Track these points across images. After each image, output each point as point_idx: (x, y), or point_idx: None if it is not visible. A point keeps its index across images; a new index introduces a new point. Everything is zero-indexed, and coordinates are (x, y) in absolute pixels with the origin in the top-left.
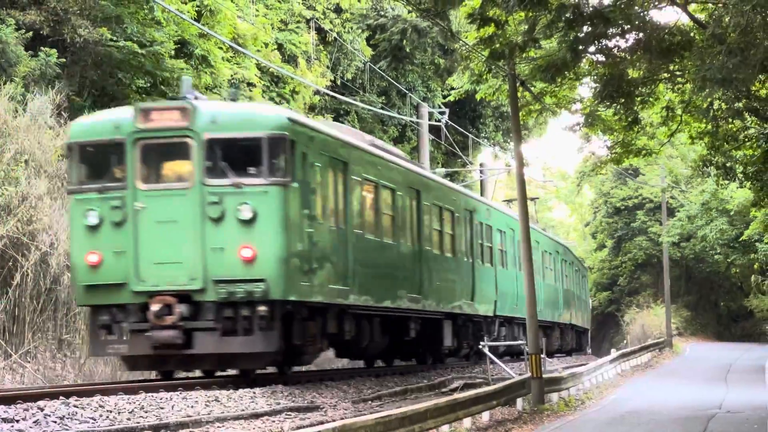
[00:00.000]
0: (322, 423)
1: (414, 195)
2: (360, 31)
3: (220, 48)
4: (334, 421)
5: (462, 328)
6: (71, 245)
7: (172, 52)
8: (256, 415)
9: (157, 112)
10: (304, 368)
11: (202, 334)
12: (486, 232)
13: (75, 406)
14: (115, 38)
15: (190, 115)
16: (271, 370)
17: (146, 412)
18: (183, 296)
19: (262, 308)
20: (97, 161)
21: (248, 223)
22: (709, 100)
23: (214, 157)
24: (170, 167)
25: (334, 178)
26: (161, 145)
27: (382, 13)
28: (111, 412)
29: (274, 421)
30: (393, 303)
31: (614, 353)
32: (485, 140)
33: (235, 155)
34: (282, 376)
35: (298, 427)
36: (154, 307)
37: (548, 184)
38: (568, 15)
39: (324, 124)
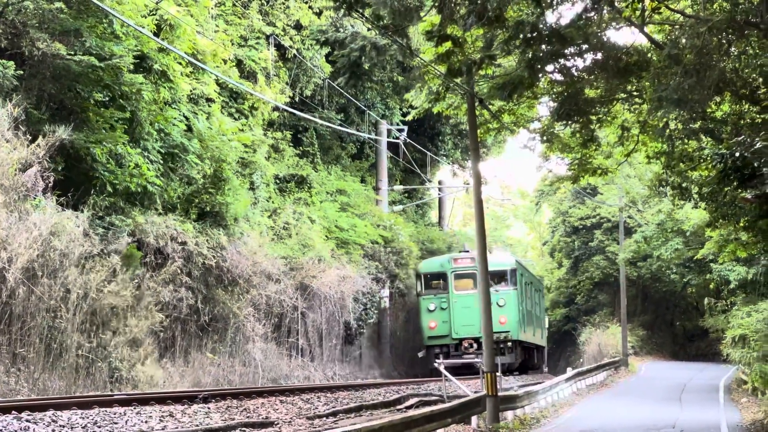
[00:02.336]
0: None
1: (535, 283)
2: (319, 47)
3: (180, 63)
4: None
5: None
6: (421, 319)
7: (131, 67)
8: (210, 431)
9: (460, 260)
10: (259, 383)
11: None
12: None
13: (27, 420)
14: (73, 52)
15: (475, 261)
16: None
17: (99, 428)
18: (475, 339)
19: (509, 343)
20: (433, 281)
21: (502, 306)
22: (664, 120)
23: (494, 278)
24: (466, 283)
25: (525, 285)
26: (462, 274)
27: (341, 29)
28: (64, 427)
29: None
30: (532, 338)
31: (570, 372)
32: (444, 158)
33: (495, 277)
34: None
35: None
36: (465, 345)
37: (506, 202)
38: (525, 33)
39: (521, 260)
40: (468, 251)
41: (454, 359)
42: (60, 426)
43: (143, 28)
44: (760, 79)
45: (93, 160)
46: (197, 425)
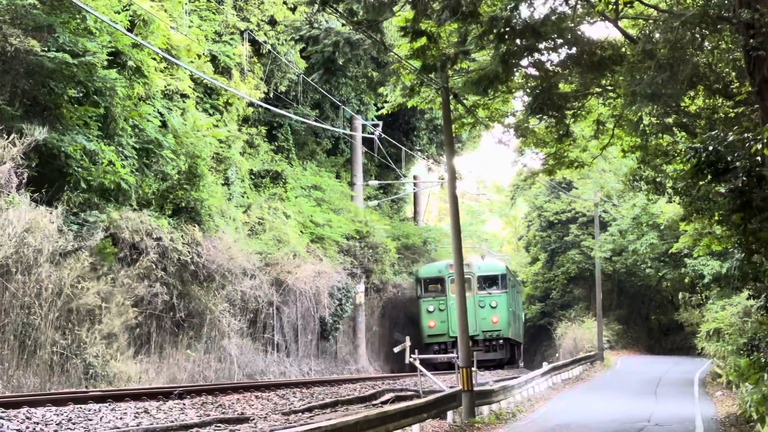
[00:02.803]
0: None
1: (517, 284)
2: (293, 42)
3: (154, 59)
4: None
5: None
6: (421, 320)
7: (105, 63)
8: (186, 427)
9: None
10: (235, 379)
11: (478, 352)
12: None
13: (1, 417)
14: (46, 48)
15: (471, 266)
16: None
17: (74, 424)
18: (471, 338)
19: (500, 341)
20: (431, 285)
21: (494, 308)
22: (638, 114)
23: (481, 283)
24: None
25: (512, 288)
26: None
27: (316, 25)
28: (38, 423)
29: None
30: (514, 335)
31: (546, 366)
32: (419, 153)
33: (488, 281)
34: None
35: None
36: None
37: (482, 197)
38: (499, 28)
39: (509, 265)
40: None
41: (451, 354)
42: (34, 423)
43: (117, 23)
44: (733, 74)
45: (67, 156)
46: (172, 421)
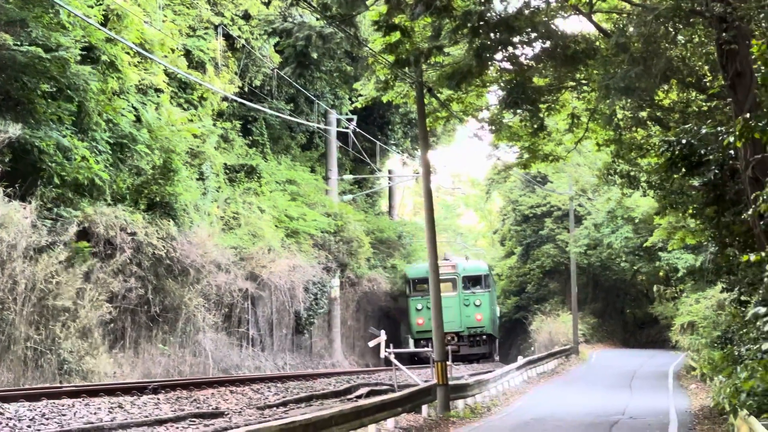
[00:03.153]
0: (225, 429)
1: (495, 283)
2: (266, 36)
3: (128, 53)
4: (237, 427)
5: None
6: (410, 317)
7: (78, 57)
8: (160, 422)
9: (444, 267)
10: (210, 374)
11: (464, 347)
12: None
13: None
14: (19, 42)
15: (456, 267)
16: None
17: (48, 420)
18: (457, 333)
19: (483, 336)
20: (419, 285)
21: (478, 306)
22: (612, 108)
23: (466, 282)
24: (447, 287)
25: (493, 285)
26: (446, 279)
27: (290, 19)
28: (11, 419)
29: (177, 428)
30: (494, 330)
31: (521, 360)
32: (393, 147)
33: (472, 280)
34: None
35: None
36: (447, 338)
37: (457, 191)
38: (473, 22)
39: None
40: (448, 259)
41: (427, 348)
42: (7, 418)
43: (90, 18)
44: (707, 67)
45: (40, 151)
46: (146, 416)
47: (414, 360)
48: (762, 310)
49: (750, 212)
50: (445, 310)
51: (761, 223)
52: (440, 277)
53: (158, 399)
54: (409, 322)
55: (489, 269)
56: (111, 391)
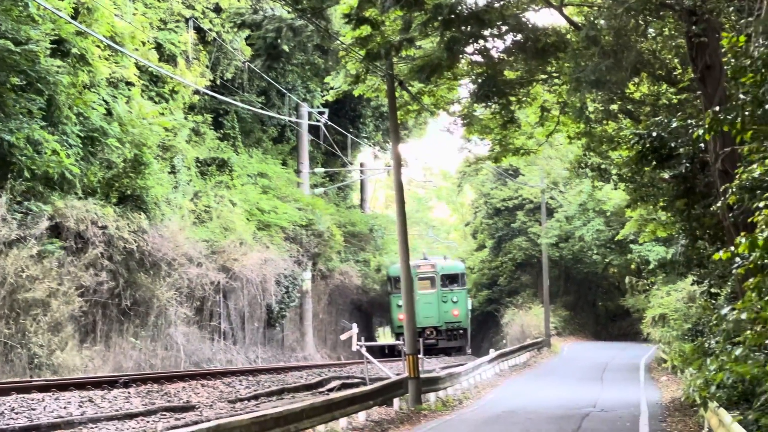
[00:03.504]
0: (196, 423)
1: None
2: (236, 29)
3: (98, 46)
4: (209, 420)
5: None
6: (392, 313)
7: (48, 51)
8: (131, 416)
9: (422, 266)
10: (182, 367)
11: (442, 340)
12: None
13: None
14: None
15: (435, 266)
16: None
17: (17, 414)
18: (435, 328)
19: (460, 330)
20: (400, 283)
21: (455, 303)
22: (583, 101)
23: (444, 280)
24: (427, 284)
25: (466, 284)
26: (425, 277)
27: (261, 12)
28: None
29: (148, 422)
30: (466, 325)
31: (493, 353)
32: (365, 140)
33: (449, 278)
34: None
35: (173, 427)
36: (427, 332)
37: (428, 184)
38: (444, 15)
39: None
40: (427, 258)
41: (426, 340)
42: None
43: (60, 11)
44: (677, 60)
45: (10, 145)
46: (117, 410)
47: (386, 353)
48: (725, 309)
49: (719, 204)
50: (424, 306)
51: (730, 215)
52: (420, 276)
53: (129, 393)
54: (391, 318)
55: (464, 268)
56: (81, 385)
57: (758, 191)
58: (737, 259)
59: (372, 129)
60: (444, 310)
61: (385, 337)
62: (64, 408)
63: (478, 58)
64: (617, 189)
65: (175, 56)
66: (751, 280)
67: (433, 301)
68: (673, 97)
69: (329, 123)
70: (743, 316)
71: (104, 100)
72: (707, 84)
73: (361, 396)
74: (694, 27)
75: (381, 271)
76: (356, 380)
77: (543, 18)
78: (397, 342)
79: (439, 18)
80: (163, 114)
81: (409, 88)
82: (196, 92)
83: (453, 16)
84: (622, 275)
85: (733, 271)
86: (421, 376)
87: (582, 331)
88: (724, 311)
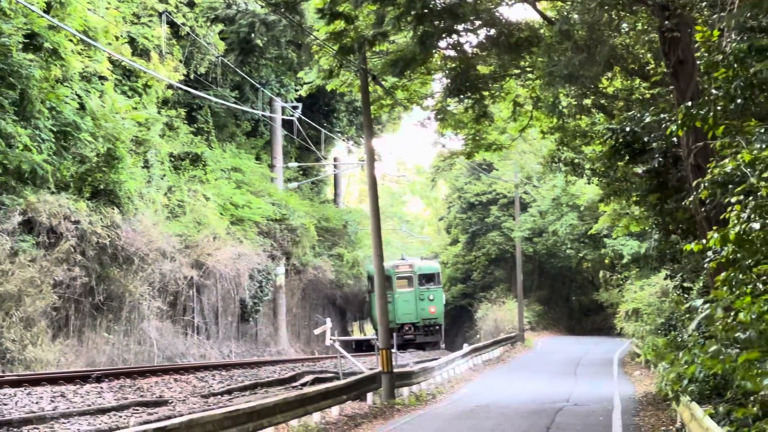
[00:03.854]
0: (169, 418)
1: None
2: (210, 23)
3: (71, 40)
4: (181, 415)
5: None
6: (372, 310)
7: (21, 45)
8: (103, 411)
9: (401, 266)
10: (155, 362)
11: (419, 335)
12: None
13: None
14: None
15: (413, 266)
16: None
17: None
18: (413, 324)
19: (436, 326)
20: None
21: (432, 300)
22: (556, 95)
23: (421, 279)
24: (404, 283)
25: (441, 283)
26: (403, 277)
27: (234, 7)
28: None
29: (121, 416)
30: (440, 321)
31: (467, 348)
32: (339, 135)
33: (426, 277)
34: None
35: (145, 422)
36: (405, 328)
37: (402, 178)
38: (417, 10)
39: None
40: (405, 259)
41: (396, 338)
42: None
43: (33, 5)
44: (650, 55)
45: None
46: (89, 405)
47: (362, 348)
48: (698, 302)
49: (691, 199)
50: (403, 303)
51: (702, 210)
52: (398, 275)
53: (101, 388)
54: (371, 315)
55: (440, 268)
56: (54, 380)
57: (730, 186)
58: (709, 253)
59: (346, 124)
60: (421, 307)
61: (360, 332)
62: (36, 403)
63: (452, 52)
64: (591, 184)
65: (149, 51)
66: (723, 274)
67: (410, 299)
68: (646, 91)
69: (303, 118)
70: (718, 311)
71: (77, 95)
72: (680, 79)
73: (335, 391)
74: (666, 22)
75: (355, 267)
76: (330, 375)
77: (516, 13)
78: (371, 337)
79: (412, 12)
80: (136, 108)
81: (383, 82)
82: (170, 87)
83: (426, 10)
84: (596, 270)
85: (705, 265)
86: (395, 370)
87: (556, 326)
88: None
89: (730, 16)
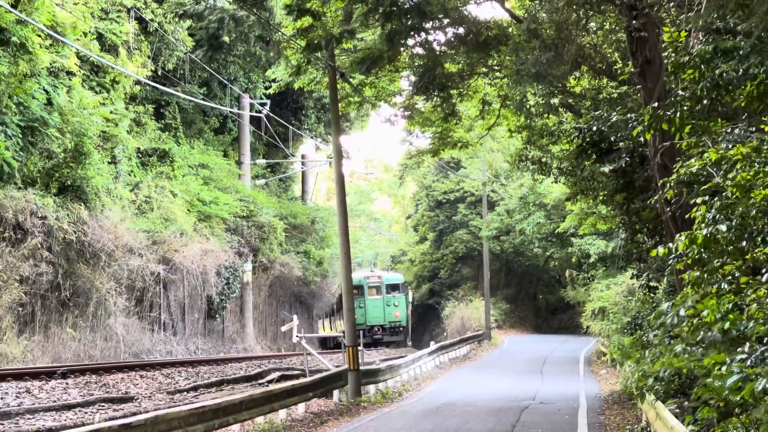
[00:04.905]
0: (135, 414)
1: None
2: (178, 19)
3: (39, 35)
4: (147, 412)
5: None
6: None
7: None
8: (68, 407)
9: (371, 277)
10: (121, 358)
11: (386, 335)
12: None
13: None
14: None
15: (381, 278)
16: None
17: None
18: (381, 326)
19: (401, 327)
20: (354, 289)
21: (397, 306)
22: (523, 93)
23: (388, 289)
24: (375, 292)
25: (405, 290)
26: (373, 286)
27: (203, 2)
28: None
29: (86, 412)
30: (404, 323)
31: (433, 345)
32: (307, 132)
33: (392, 287)
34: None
35: (111, 419)
36: (375, 329)
37: (370, 176)
38: (384, 7)
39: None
40: (374, 272)
41: (367, 338)
42: None
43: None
44: (617, 54)
45: None
46: (55, 401)
47: (329, 346)
48: (665, 305)
49: (657, 198)
50: (373, 308)
51: (668, 209)
52: (369, 285)
53: (67, 384)
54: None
55: (403, 279)
56: (19, 375)
57: (696, 186)
58: (675, 251)
59: (314, 121)
60: (388, 312)
61: (324, 329)
62: (1, 399)
63: (420, 50)
64: (558, 182)
65: (117, 46)
66: (688, 273)
67: (379, 305)
68: (614, 91)
69: (271, 114)
70: (681, 311)
71: (45, 90)
72: (647, 78)
73: (301, 388)
74: (634, 21)
75: (323, 264)
76: (296, 372)
77: (485, 11)
78: (338, 334)
79: (380, 10)
80: (104, 104)
81: (351, 80)
82: (138, 83)
83: (394, 8)
84: (563, 268)
85: (670, 264)
86: (362, 368)
87: (522, 324)
88: (663, 306)
89: (697, 17)
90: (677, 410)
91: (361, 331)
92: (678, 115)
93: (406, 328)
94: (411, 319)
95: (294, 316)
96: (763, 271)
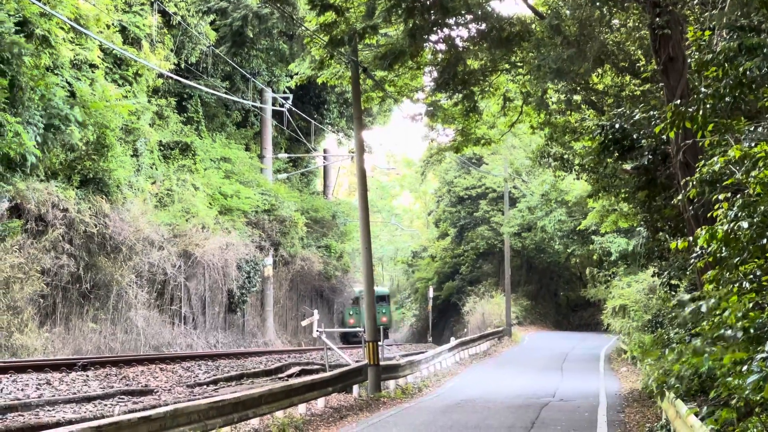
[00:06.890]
0: (154, 407)
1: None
2: (201, 14)
3: (62, 28)
4: (167, 405)
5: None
6: (344, 317)
7: (12, 32)
8: (88, 399)
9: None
10: (141, 351)
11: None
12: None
13: None
14: None
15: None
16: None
17: None
18: None
19: (386, 330)
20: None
21: (384, 313)
22: (544, 89)
23: (377, 299)
24: None
25: (390, 300)
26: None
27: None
28: None
29: (106, 405)
30: (388, 327)
31: (453, 341)
32: (329, 126)
33: (381, 298)
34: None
35: (130, 411)
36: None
37: (392, 171)
38: (407, 3)
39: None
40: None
41: (359, 337)
42: None
43: None
44: (640, 52)
45: None
46: (74, 393)
47: (349, 341)
48: (686, 297)
49: (680, 197)
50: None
51: (690, 208)
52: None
53: (87, 376)
54: (343, 321)
55: (389, 292)
56: (39, 367)
57: (718, 184)
58: (697, 249)
59: (336, 115)
60: (377, 318)
61: (346, 324)
62: (22, 390)
63: (442, 46)
64: (579, 179)
65: (140, 39)
66: (709, 272)
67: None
68: (636, 88)
69: (293, 109)
70: (702, 308)
71: (67, 82)
72: (670, 76)
73: (321, 382)
74: (657, 19)
75: (343, 258)
76: (316, 367)
77: (508, 7)
78: (358, 329)
79: (403, 5)
80: (126, 97)
81: (374, 75)
82: (160, 76)
83: (417, 3)
84: (584, 266)
85: (692, 262)
86: (381, 363)
87: (543, 321)
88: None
89: (721, 14)
90: (697, 408)
91: (355, 335)
92: (701, 112)
93: (387, 330)
94: (393, 320)
95: (315, 311)
96: None
